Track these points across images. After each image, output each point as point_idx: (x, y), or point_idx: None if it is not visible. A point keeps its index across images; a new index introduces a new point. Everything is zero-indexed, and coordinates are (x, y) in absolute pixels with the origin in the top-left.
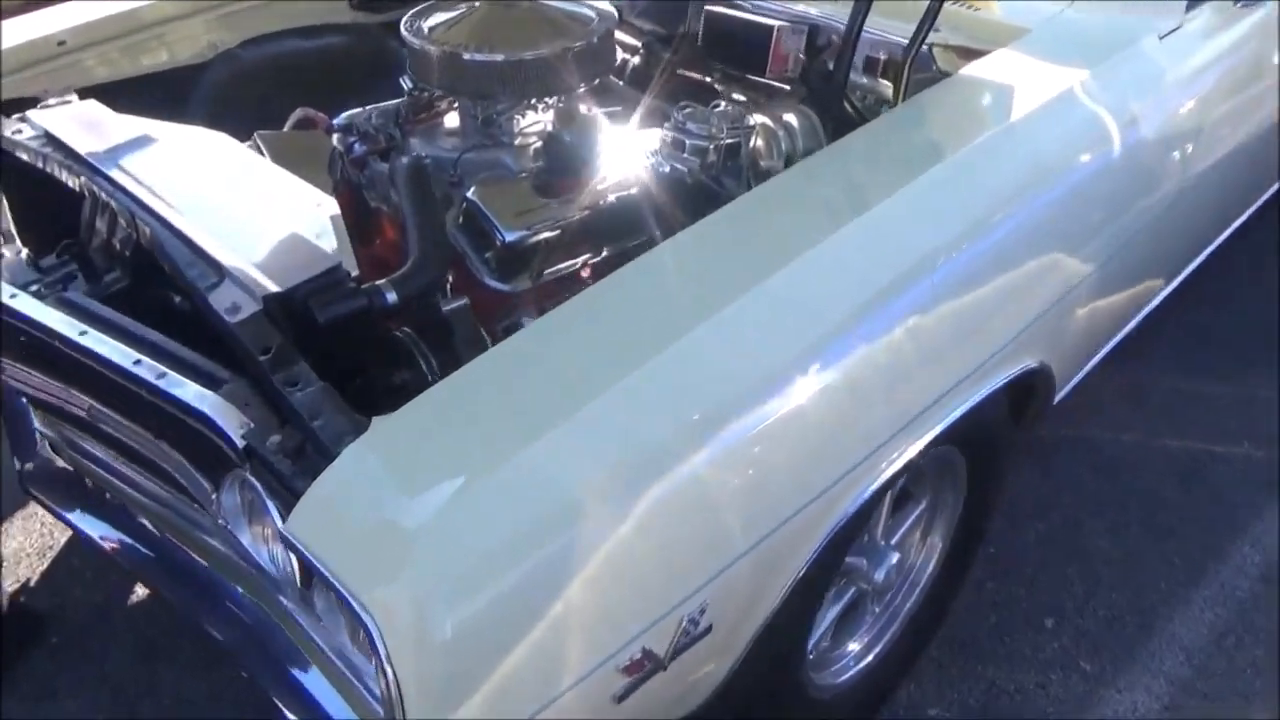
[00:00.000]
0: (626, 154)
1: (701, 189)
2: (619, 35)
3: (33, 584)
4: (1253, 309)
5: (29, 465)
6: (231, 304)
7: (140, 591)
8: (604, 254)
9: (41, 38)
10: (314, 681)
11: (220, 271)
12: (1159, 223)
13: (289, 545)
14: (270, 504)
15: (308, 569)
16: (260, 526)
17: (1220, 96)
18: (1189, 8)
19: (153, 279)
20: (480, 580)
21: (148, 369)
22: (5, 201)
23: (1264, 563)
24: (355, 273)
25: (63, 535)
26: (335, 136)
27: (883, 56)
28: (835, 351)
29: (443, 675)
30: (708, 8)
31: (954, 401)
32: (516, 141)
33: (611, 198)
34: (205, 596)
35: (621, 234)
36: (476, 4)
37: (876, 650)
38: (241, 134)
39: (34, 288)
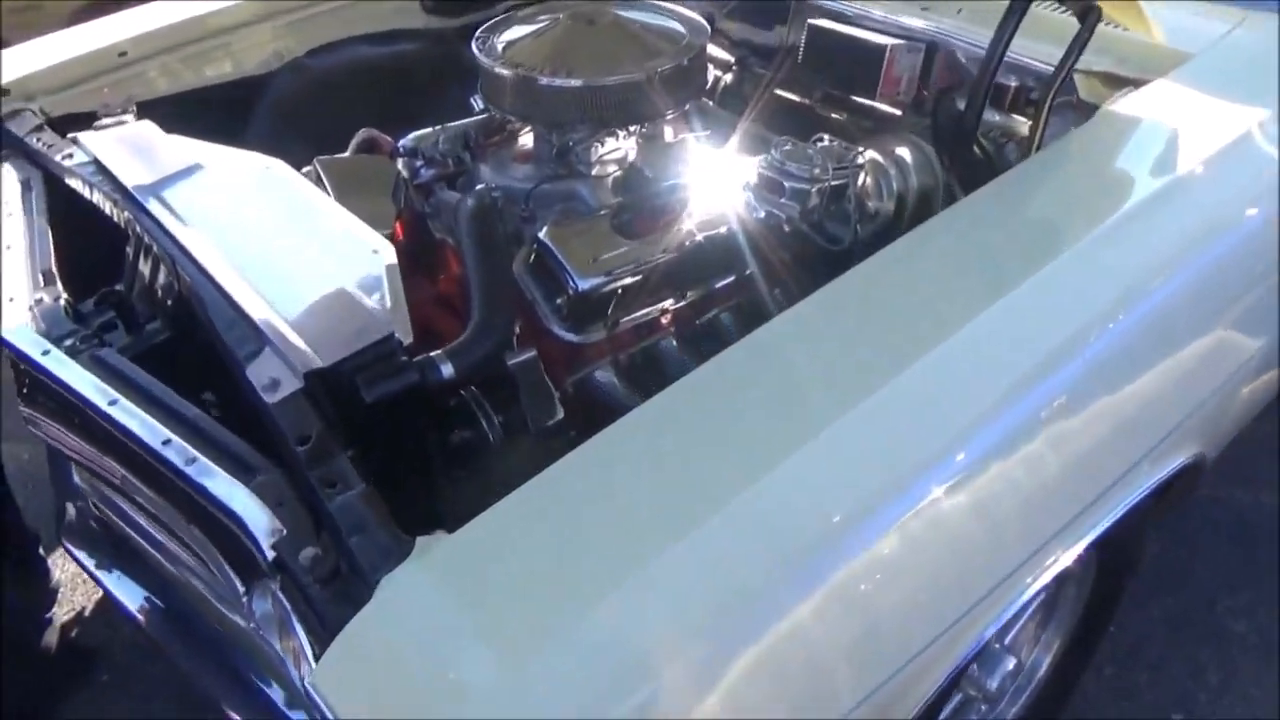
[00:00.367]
0: (716, 189)
1: (802, 238)
2: (710, 49)
3: (87, 613)
4: None
5: (68, 517)
6: (270, 379)
7: None
8: (686, 299)
9: (102, 49)
10: None
11: (260, 338)
12: None
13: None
14: (300, 633)
15: None
16: (291, 642)
17: None
18: None
19: (194, 334)
20: None
21: (177, 452)
22: (50, 235)
23: None
24: (408, 339)
25: None
26: (400, 161)
27: (1013, 84)
28: (960, 466)
29: None
30: (811, 21)
31: (1098, 513)
32: (594, 171)
33: (699, 238)
34: (233, 681)
35: (707, 279)
36: (558, 17)
37: None
38: (307, 148)
39: (69, 341)
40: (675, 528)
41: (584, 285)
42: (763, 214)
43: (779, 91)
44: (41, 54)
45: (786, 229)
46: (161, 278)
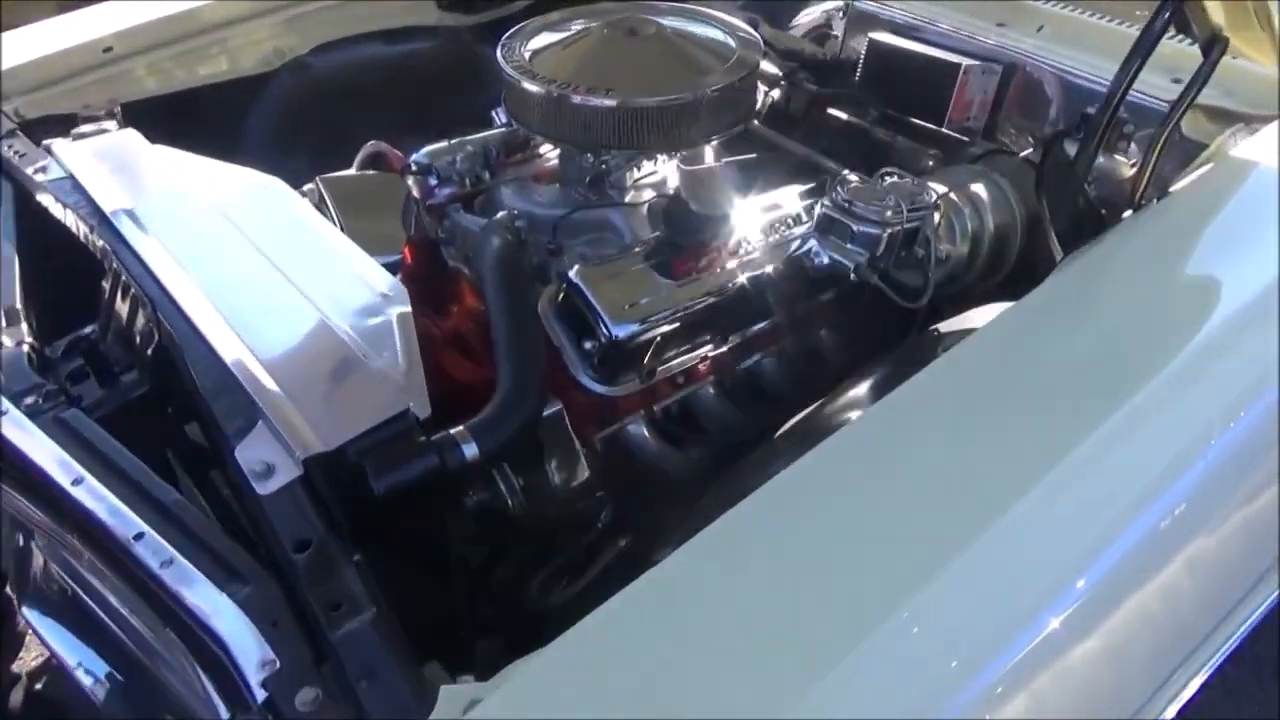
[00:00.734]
0: (766, 224)
1: (870, 290)
2: None
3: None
4: None
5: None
6: (263, 464)
7: None
8: (728, 344)
9: (86, 44)
10: None
11: (252, 409)
12: None
13: None
14: None
15: None
16: None
17: None
18: None
19: (176, 391)
20: None
21: (151, 549)
22: (17, 264)
23: None
24: (425, 413)
25: None
26: (410, 179)
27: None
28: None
29: None
30: (873, 36)
31: (1225, 632)
32: (629, 198)
33: (743, 279)
34: None
35: (752, 322)
36: (594, 24)
37: None
38: (308, 157)
39: (30, 399)
40: (779, 693)
41: (619, 333)
42: (826, 260)
43: (831, 110)
44: (18, 48)
45: (853, 278)
46: (140, 321)
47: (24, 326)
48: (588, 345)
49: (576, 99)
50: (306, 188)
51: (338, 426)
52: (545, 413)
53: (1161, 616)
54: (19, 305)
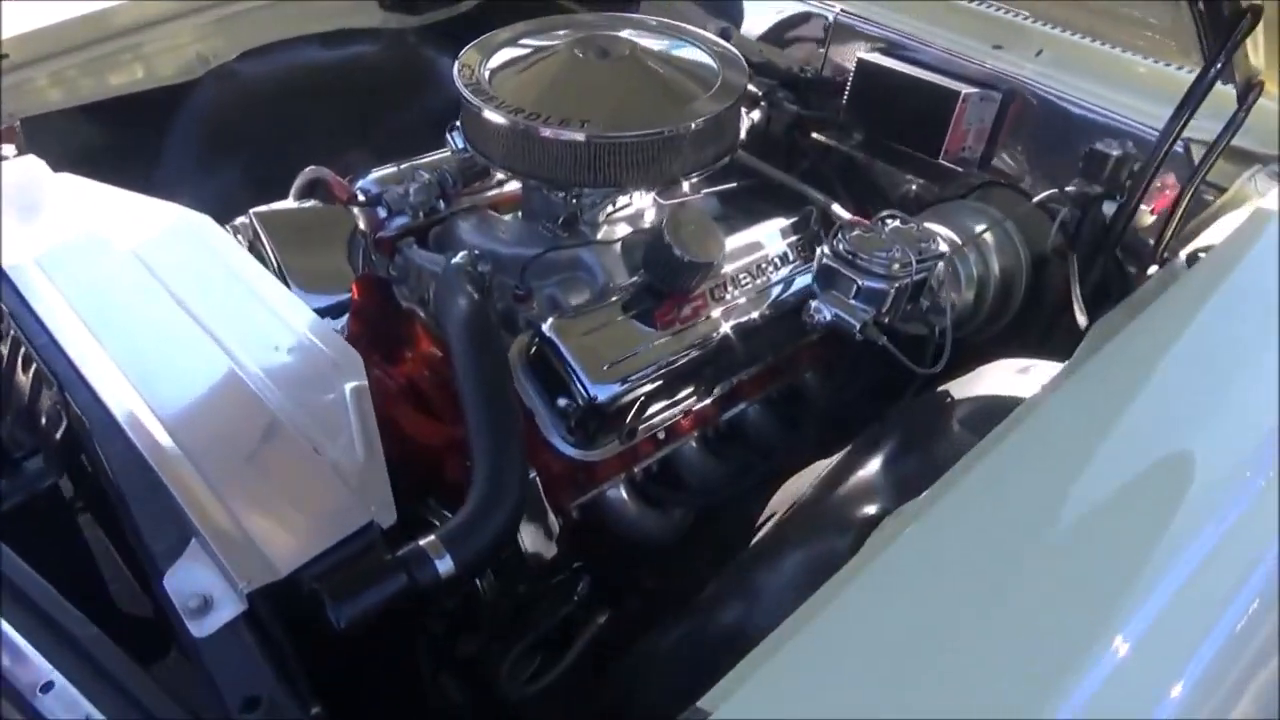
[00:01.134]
0: (751, 262)
1: (874, 349)
2: None
3: None
4: None
5: None
6: (198, 597)
7: None
8: (713, 396)
9: None
10: None
11: (183, 525)
12: None
13: None
14: None
15: None
16: None
17: None
18: None
19: (91, 486)
20: None
21: (62, 703)
22: None
23: None
24: (390, 520)
25: None
26: (357, 210)
27: (1114, 152)
28: None
29: None
30: (862, 56)
31: None
32: (602, 233)
33: (730, 328)
34: None
35: (739, 371)
36: (561, 43)
37: None
38: (238, 178)
39: None
40: None
41: (600, 395)
42: (828, 317)
43: (815, 135)
44: None
45: (859, 337)
46: (46, 399)
47: None
48: (562, 403)
49: (546, 132)
50: (239, 221)
51: (288, 547)
52: None
53: None
54: None
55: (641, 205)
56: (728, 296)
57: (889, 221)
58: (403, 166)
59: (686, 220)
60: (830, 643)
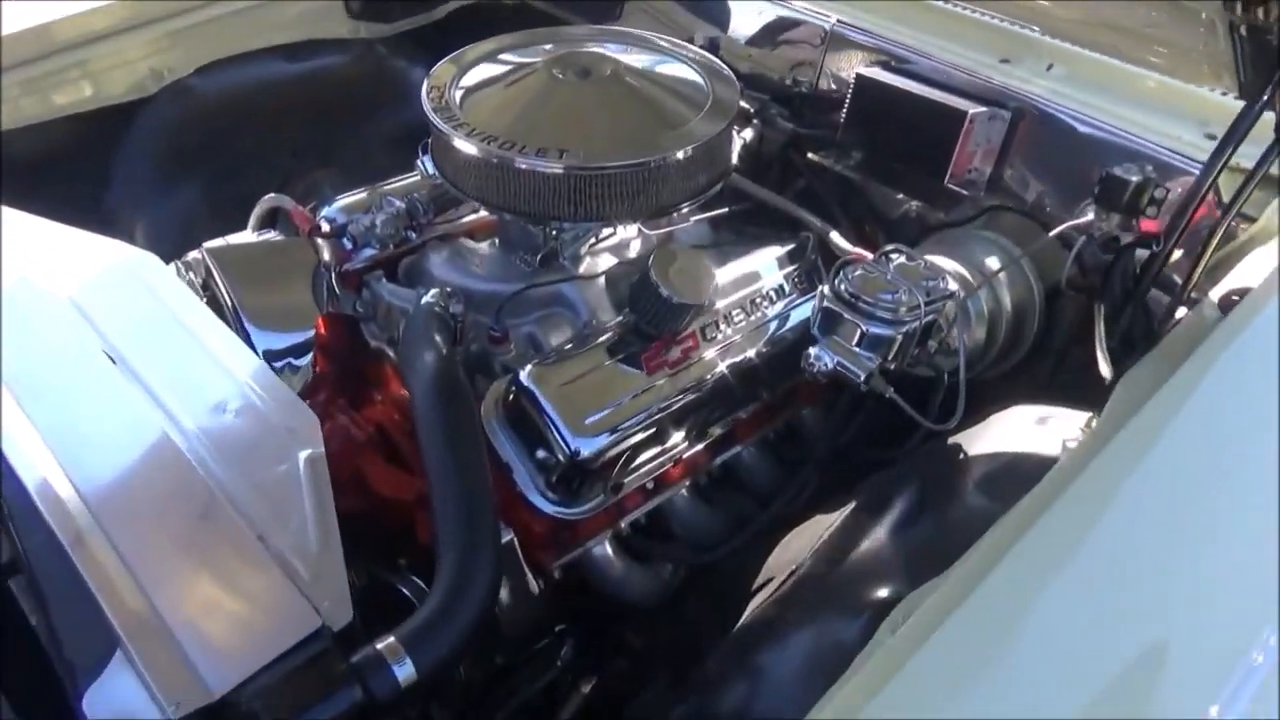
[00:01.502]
0: (745, 297)
1: (877, 399)
2: None
3: None
4: None
5: None
6: None
7: None
8: (705, 441)
9: None
10: None
11: (108, 634)
12: None
13: None
14: None
15: None
16: None
17: None
18: None
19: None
20: None
21: None
22: None
23: None
24: (343, 621)
25: None
26: (320, 241)
27: (1133, 178)
28: None
29: None
30: (861, 71)
31: None
32: (584, 266)
33: (724, 370)
34: None
35: (732, 413)
36: (538, 62)
37: None
38: (194, 205)
39: None
40: None
41: (584, 450)
42: (830, 365)
43: (811, 155)
44: None
45: (864, 388)
46: None
47: None
48: (541, 456)
49: (521, 163)
50: (191, 257)
51: (225, 660)
52: None
53: None
54: None
55: (627, 234)
56: (720, 336)
57: (893, 257)
58: (370, 192)
59: (674, 257)
60: None
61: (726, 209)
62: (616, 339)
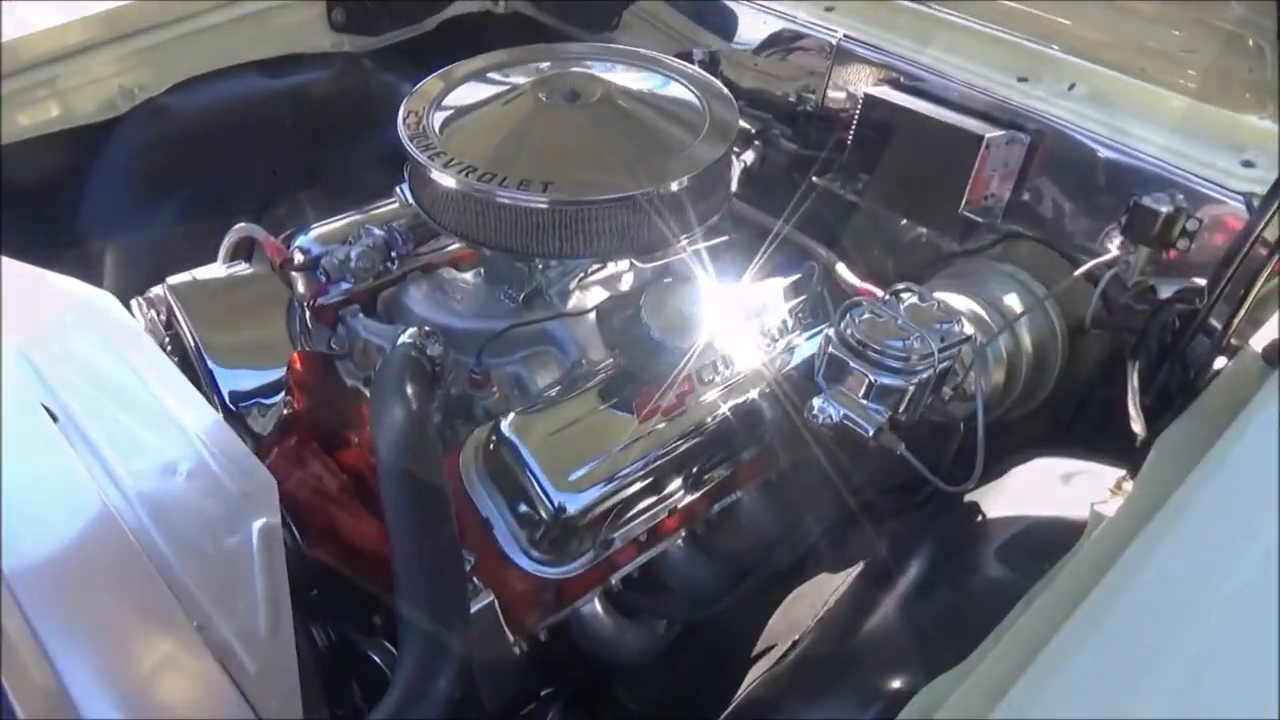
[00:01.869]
0: (745, 336)
1: (886, 455)
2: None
3: None
4: None
5: None
6: None
7: None
8: (703, 487)
9: None
10: None
11: None
12: None
13: None
14: None
15: None
16: None
17: None
18: None
19: None
20: None
21: None
22: None
23: None
24: (294, 716)
25: None
26: (294, 274)
27: (1163, 208)
28: None
29: None
30: (870, 91)
31: None
32: (572, 302)
33: (720, 414)
34: None
35: (731, 459)
36: (524, 83)
37: None
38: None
39: None
40: None
41: (566, 506)
42: (836, 418)
43: (815, 179)
44: None
45: (871, 444)
46: None
47: None
48: (524, 511)
49: (503, 197)
50: (154, 293)
51: None
52: (475, 607)
53: None
54: None
55: (618, 266)
56: (718, 379)
57: (904, 296)
58: (348, 221)
59: (667, 296)
60: None
61: (725, 237)
62: (606, 383)
